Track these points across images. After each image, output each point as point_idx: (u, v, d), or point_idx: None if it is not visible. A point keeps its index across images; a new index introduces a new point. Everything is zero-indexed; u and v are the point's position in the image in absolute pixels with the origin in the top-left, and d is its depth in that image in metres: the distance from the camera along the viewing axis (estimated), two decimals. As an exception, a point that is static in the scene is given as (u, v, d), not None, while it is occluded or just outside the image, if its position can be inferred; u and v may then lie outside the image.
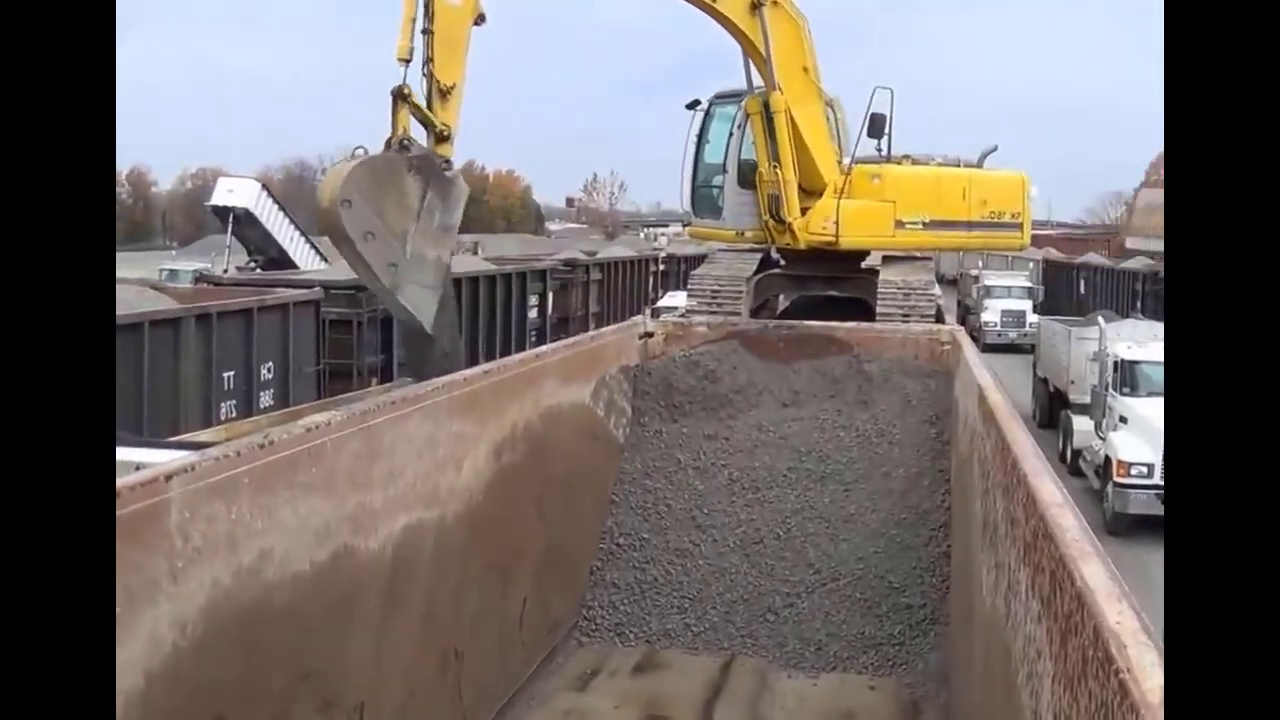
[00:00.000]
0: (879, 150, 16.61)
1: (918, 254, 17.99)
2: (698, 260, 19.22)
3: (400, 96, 10.81)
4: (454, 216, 10.97)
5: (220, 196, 45.46)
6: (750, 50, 15.53)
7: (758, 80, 15.90)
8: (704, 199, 17.57)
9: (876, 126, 16.28)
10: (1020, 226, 17.85)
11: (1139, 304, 42.11)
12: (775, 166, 15.64)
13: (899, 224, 16.45)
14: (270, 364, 21.11)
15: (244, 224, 44.58)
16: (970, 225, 17.35)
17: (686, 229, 19.34)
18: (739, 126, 16.59)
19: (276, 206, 46.21)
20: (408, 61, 10.86)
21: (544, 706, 8.86)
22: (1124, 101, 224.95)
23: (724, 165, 16.90)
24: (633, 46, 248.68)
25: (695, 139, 17.44)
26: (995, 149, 18.13)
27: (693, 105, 17.46)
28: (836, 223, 15.81)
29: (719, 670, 9.50)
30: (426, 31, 10.87)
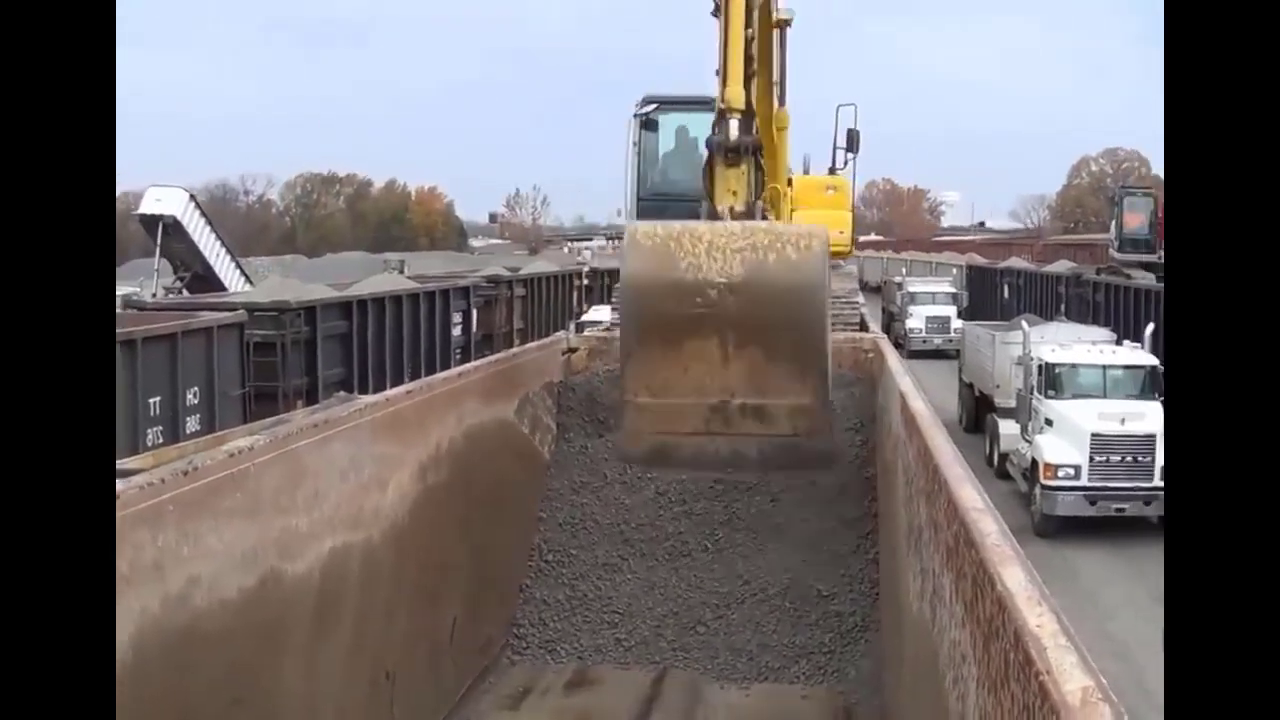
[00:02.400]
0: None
1: (840, 261, 18.19)
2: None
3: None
4: None
5: (148, 205, 44.59)
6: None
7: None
8: (652, 211, 17.00)
9: (853, 141, 16.69)
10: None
11: (1062, 307, 42.55)
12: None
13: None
14: (195, 389, 20.78)
15: (172, 235, 43.82)
16: None
17: None
18: None
19: (204, 220, 45.67)
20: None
21: (477, 726, 8.85)
22: (1044, 106, 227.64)
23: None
24: (553, 63, 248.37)
25: (635, 148, 17.15)
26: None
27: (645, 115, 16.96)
28: (851, 233, 16.26)
29: (651, 684, 9.50)
30: None
